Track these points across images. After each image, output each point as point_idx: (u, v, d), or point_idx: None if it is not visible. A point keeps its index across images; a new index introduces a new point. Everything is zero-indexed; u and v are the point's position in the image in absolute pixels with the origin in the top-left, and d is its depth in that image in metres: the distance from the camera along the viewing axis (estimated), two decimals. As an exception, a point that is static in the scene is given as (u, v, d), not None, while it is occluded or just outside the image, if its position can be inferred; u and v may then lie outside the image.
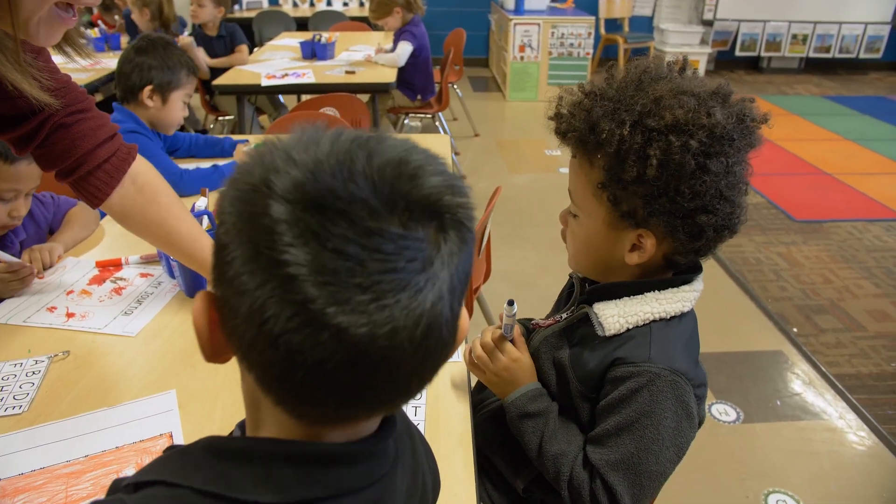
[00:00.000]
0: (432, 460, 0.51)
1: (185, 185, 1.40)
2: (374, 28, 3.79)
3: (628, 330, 0.68)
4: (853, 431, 1.65)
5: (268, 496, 0.33)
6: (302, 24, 4.67)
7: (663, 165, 0.61)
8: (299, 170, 0.30)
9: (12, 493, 0.66)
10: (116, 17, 3.82)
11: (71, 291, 1.06)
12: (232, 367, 0.35)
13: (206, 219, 1.10)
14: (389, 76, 2.70)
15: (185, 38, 2.97)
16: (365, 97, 2.52)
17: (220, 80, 2.66)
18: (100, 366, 0.87)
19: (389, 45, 3.05)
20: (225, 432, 0.43)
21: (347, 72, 2.73)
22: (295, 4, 5.24)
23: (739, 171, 0.65)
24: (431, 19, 4.63)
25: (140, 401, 0.80)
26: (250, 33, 4.47)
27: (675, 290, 0.69)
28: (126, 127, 1.44)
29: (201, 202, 1.25)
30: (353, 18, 4.55)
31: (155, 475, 0.35)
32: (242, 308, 0.30)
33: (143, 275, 1.11)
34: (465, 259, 0.33)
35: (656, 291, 0.69)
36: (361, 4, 5.14)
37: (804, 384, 1.82)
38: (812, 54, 5.53)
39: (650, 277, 0.71)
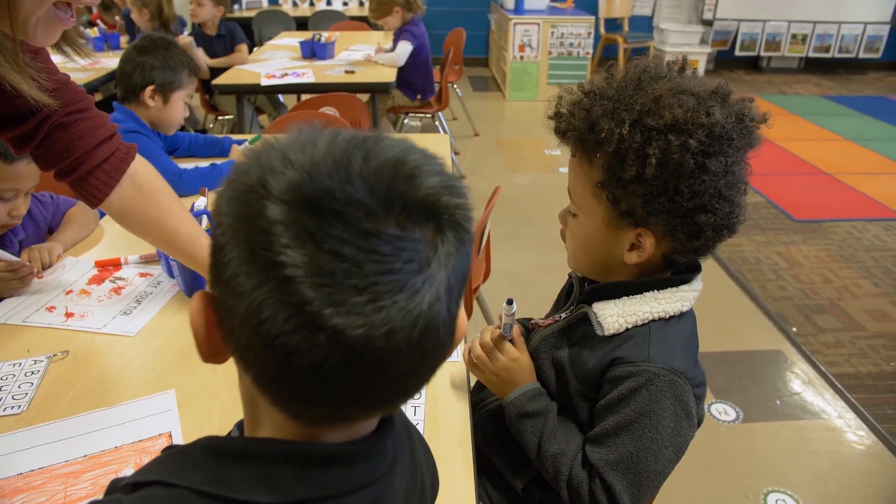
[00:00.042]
0: (431, 460, 0.51)
1: (185, 185, 1.40)
2: (374, 28, 3.79)
3: (627, 329, 0.68)
4: (852, 431, 1.65)
5: (266, 496, 0.33)
6: (302, 24, 4.66)
7: (662, 164, 0.61)
8: (296, 171, 0.30)
9: (11, 493, 0.66)
10: (117, 17, 3.82)
11: (70, 291, 1.05)
12: (231, 367, 0.35)
13: (205, 218, 1.10)
14: (389, 76, 2.70)
15: (185, 38, 2.97)
16: (365, 97, 2.52)
17: (220, 80, 2.66)
18: (99, 366, 0.87)
19: (389, 45, 3.05)
20: (224, 432, 0.43)
21: (347, 71, 2.73)
22: (295, 4, 5.24)
23: (738, 170, 0.65)
24: (431, 19, 4.63)
25: (139, 401, 0.80)
26: (250, 33, 4.46)
27: (674, 289, 0.69)
28: (126, 126, 1.44)
29: (200, 202, 1.25)
30: (353, 18, 4.55)
31: (153, 475, 0.35)
32: (239, 309, 0.30)
33: (142, 274, 1.11)
34: (463, 260, 0.33)
35: (655, 291, 0.69)
36: (361, 4, 5.13)
37: (803, 384, 1.82)
38: (811, 54, 5.53)
39: (649, 277, 0.71)
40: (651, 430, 0.64)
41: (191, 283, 1.01)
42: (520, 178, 3.29)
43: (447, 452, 0.72)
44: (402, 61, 2.89)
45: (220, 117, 3.27)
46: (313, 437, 0.36)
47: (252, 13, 4.84)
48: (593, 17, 4.63)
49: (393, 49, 2.95)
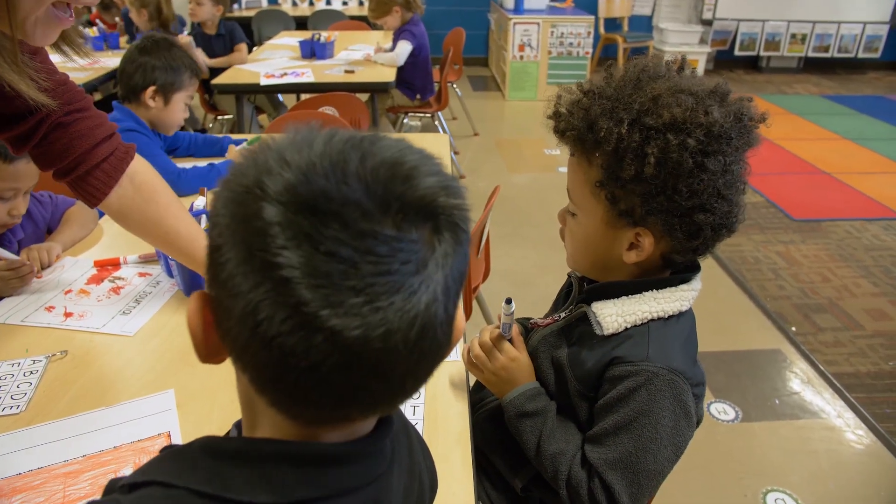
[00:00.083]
0: (430, 460, 0.51)
1: (183, 185, 1.40)
2: (374, 27, 3.79)
3: (626, 329, 0.68)
4: (851, 430, 1.65)
5: (264, 496, 0.33)
6: (301, 24, 4.66)
7: (661, 164, 0.61)
8: (292, 171, 0.30)
9: (10, 493, 0.66)
10: (117, 18, 3.82)
11: (69, 291, 1.05)
12: (230, 367, 0.35)
13: (204, 218, 1.10)
14: (389, 75, 2.70)
15: (184, 38, 2.97)
16: (364, 96, 2.52)
17: (220, 80, 2.66)
18: (98, 365, 0.87)
19: (389, 45, 3.05)
20: (223, 431, 0.43)
21: (347, 71, 2.73)
22: (294, 3, 5.24)
23: (737, 169, 0.65)
24: (431, 18, 4.63)
25: (138, 400, 0.80)
26: (249, 32, 4.46)
27: (673, 289, 0.69)
28: (125, 126, 1.43)
29: (200, 201, 1.25)
30: (353, 17, 4.55)
31: (151, 475, 0.35)
32: (236, 310, 0.30)
33: (141, 274, 1.11)
34: (460, 260, 0.33)
35: (654, 291, 0.69)
36: (361, 3, 5.13)
37: (802, 383, 1.82)
38: (811, 54, 5.53)
39: (648, 276, 0.71)
40: (650, 429, 0.64)
41: (190, 282, 1.01)
42: (519, 178, 3.29)
43: (446, 452, 0.72)
44: (401, 61, 2.89)
45: (219, 117, 3.27)
46: (311, 437, 0.36)
47: (251, 13, 4.84)
48: (593, 17, 4.63)
49: (392, 49, 2.94)
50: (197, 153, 1.69)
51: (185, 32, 3.36)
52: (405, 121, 3.26)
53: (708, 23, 5.40)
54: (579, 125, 0.66)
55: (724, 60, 5.68)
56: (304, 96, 2.91)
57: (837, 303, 2.22)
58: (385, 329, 0.29)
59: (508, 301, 0.74)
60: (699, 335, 0.73)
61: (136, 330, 0.95)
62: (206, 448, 0.36)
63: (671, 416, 0.65)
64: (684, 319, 0.70)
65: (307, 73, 2.70)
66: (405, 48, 2.90)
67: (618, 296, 0.70)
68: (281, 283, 0.28)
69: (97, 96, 3.16)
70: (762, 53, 5.54)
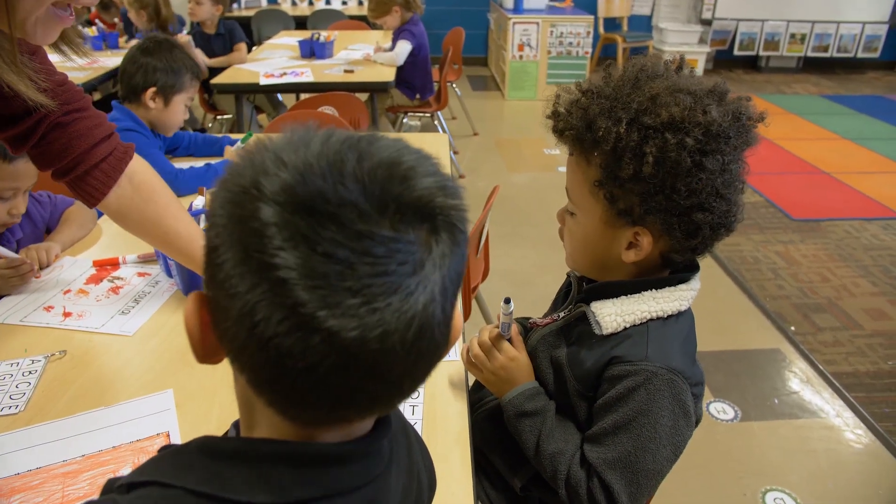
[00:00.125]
0: (428, 459, 0.51)
1: (181, 185, 1.40)
2: (373, 27, 3.79)
3: (625, 329, 0.68)
4: (850, 429, 1.65)
5: (262, 497, 0.33)
6: (301, 23, 4.66)
7: (659, 163, 0.61)
8: (289, 172, 0.30)
9: (8, 493, 0.66)
10: (116, 19, 3.82)
11: (68, 291, 1.05)
12: (229, 367, 0.35)
13: (203, 218, 1.10)
14: (388, 75, 2.70)
15: (184, 37, 2.97)
16: (364, 96, 2.51)
17: (219, 79, 2.66)
18: (97, 365, 0.87)
19: (388, 44, 3.05)
20: (221, 431, 0.43)
21: (346, 71, 2.73)
22: (294, 3, 5.24)
23: (735, 169, 0.65)
24: (430, 18, 4.63)
25: (137, 400, 0.80)
26: (249, 32, 4.46)
27: (672, 288, 0.69)
28: (123, 125, 1.43)
29: (198, 201, 1.25)
30: (352, 17, 4.55)
31: (148, 475, 0.35)
32: (233, 311, 0.30)
33: (140, 274, 1.11)
34: (458, 261, 0.33)
35: (653, 290, 0.69)
36: (360, 3, 5.13)
37: (802, 382, 1.82)
38: (810, 53, 5.53)
39: (647, 276, 0.71)
40: (649, 429, 0.64)
41: (189, 282, 1.01)
42: (519, 178, 3.29)
43: (445, 452, 0.72)
44: (401, 61, 2.88)
45: (218, 116, 3.27)
46: (309, 437, 0.36)
47: (251, 12, 4.83)
48: (592, 17, 4.63)
49: (392, 48, 2.94)
50: (197, 153, 1.69)
51: (185, 32, 3.35)
52: (405, 120, 3.26)
53: (707, 22, 5.40)
54: (578, 125, 0.66)
55: (723, 60, 5.68)
56: (303, 96, 2.91)
57: (836, 302, 2.22)
58: (382, 330, 0.29)
59: (507, 301, 0.74)
60: (698, 335, 0.73)
61: (135, 330, 0.95)
62: (204, 448, 0.36)
63: (670, 415, 0.65)
64: (683, 319, 0.70)
65: (306, 72, 2.70)
66: (405, 48, 2.90)
67: (617, 295, 0.70)
68: (278, 283, 0.28)
69: (96, 96, 3.16)
70: (761, 53, 5.54)
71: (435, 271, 0.31)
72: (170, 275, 1.07)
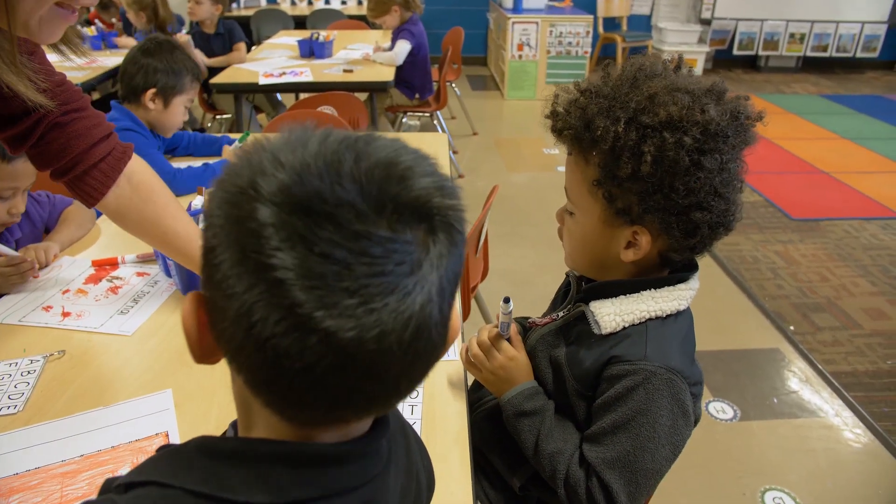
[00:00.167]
0: (427, 459, 0.51)
1: (179, 185, 1.40)
2: (373, 26, 3.79)
3: (624, 328, 0.68)
4: (849, 429, 1.65)
5: (260, 497, 0.33)
6: (300, 23, 4.66)
7: (657, 162, 0.62)
8: (286, 172, 0.30)
9: (7, 493, 0.66)
10: (114, 19, 3.81)
11: (67, 290, 1.05)
12: (227, 366, 0.35)
13: (202, 217, 1.10)
14: (387, 75, 2.70)
15: (183, 37, 2.97)
16: (363, 96, 2.51)
17: (218, 79, 2.66)
18: (95, 365, 0.87)
19: (387, 44, 3.05)
20: (220, 431, 0.43)
21: (345, 70, 2.73)
22: (293, 3, 5.23)
23: (734, 168, 0.65)
24: (430, 18, 4.62)
25: (136, 400, 0.80)
26: (248, 31, 4.45)
27: (670, 288, 0.69)
28: (121, 125, 1.43)
29: (198, 201, 1.25)
30: (352, 17, 4.55)
31: (146, 475, 0.35)
32: (230, 311, 0.30)
33: (139, 274, 1.11)
34: (455, 261, 0.33)
35: (652, 290, 0.69)
36: (359, 3, 5.13)
37: (801, 382, 1.82)
38: (809, 53, 5.53)
39: (646, 276, 0.71)
40: (648, 428, 0.64)
41: (188, 282, 1.01)
42: (518, 177, 3.29)
43: (444, 451, 0.72)
44: (400, 60, 2.88)
45: (217, 116, 3.27)
46: (306, 437, 0.36)
47: (250, 12, 4.83)
48: (592, 16, 4.63)
49: (391, 48, 2.94)
50: (196, 152, 1.69)
51: (184, 31, 3.35)
52: (404, 120, 3.26)
53: (707, 22, 5.40)
54: (576, 124, 0.66)
55: (722, 60, 5.68)
56: (302, 96, 2.91)
57: (836, 302, 2.22)
58: (379, 330, 0.29)
59: (507, 300, 0.74)
60: (698, 334, 0.73)
61: (134, 329, 0.95)
62: (202, 448, 0.36)
63: (669, 415, 0.65)
64: (682, 318, 0.70)
65: (306, 72, 2.70)
66: (404, 47, 2.90)
67: (616, 295, 0.70)
68: (275, 284, 0.28)
69: (95, 95, 3.15)
70: (761, 53, 5.54)
71: (432, 272, 0.31)
72: (169, 274, 1.07)
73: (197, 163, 1.54)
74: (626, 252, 0.68)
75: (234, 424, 0.41)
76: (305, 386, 0.31)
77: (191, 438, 0.36)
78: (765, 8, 5.35)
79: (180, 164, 1.54)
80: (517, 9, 4.64)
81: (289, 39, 3.43)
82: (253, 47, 3.50)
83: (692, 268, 0.72)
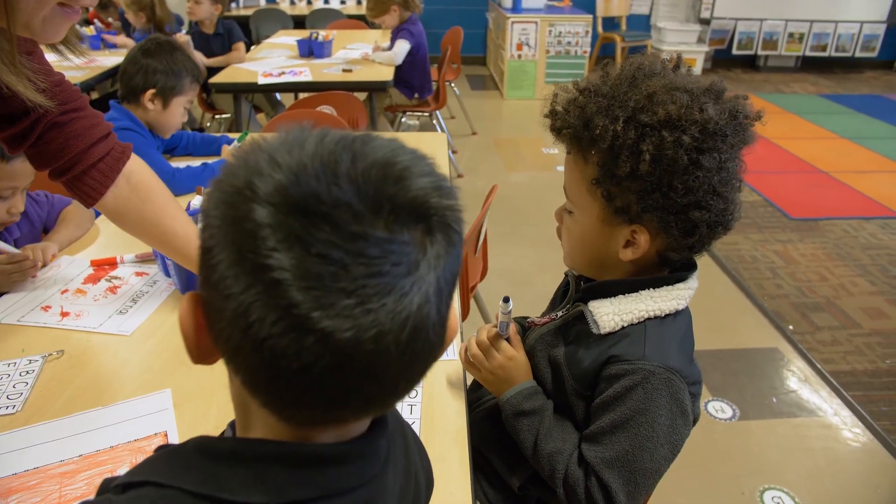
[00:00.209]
0: (426, 459, 0.51)
1: (177, 184, 1.40)
2: (372, 26, 3.78)
3: (623, 328, 0.68)
4: (848, 428, 1.65)
5: (258, 497, 0.33)
6: (299, 22, 4.65)
7: (656, 161, 0.62)
8: (282, 173, 0.30)
9: (6, 493, 0.66)
10: (110, 19, 3.81)
11: (65, 290, 1.05)
12: (225, 367, 0.35)
13: (201, 217, 1.10)
14: (387, 74, 2.70)
15: (182, 37, 2.96)
16: (362, 95, 2.51)
17: (217, 79, 2.65)
18: (94, 365, 0.87)
19: (387, 44, 3.04)
20: (219, 431, 0.43)
21: (345, 70, 2.73)
22: (292, 2, 5.23)
23: (732, 167, 0.65)
24: (429, 17, 4.62)
25: (135, 400, 0.80)
26: (247, 31, 4.45)
27: (669, 287, 0.69)
28: (120, 124, 1.43)
29: (196, 201, 1.24)
30: (351, 16, 4.54)
31: (144, 475, 0.35)
32: (227, 311, 0.30)
33: (138, 273, 1.11)
34: (453, 261, 0.33)
35: (651, 289, 0.69)
36: (359, 2, 5.12)
37: (800, 381, 1.83)
38: (808, 53, 5.54)
39: (644, 275, 0.71)
40: (647, 428, 0.64)
41: (187, 282, 1.01)
42: (517, 177, 3.29)
43: (443, 451, 0.72)
44: (399, 60, 2.88)
45: (217, 116, 3.26)
46: (304, 438, 0.36)
47: (250, 11, 4.83)
48: (591, 16, 4.63)
49: (390, 48, 2.94)
50: (195, 152, 1.69)
51: (184, 31, 3.35)
52: (403, 120, 3.26)
53: (706, 22, 5.41)
54: (575, 123, 0.66)
55: (721, 59, 5.68)
56: (302, 95, 2.90)
57: (835, 301, 2.22)
58: (377, 331, 0.29)
59: (506, 300, 0.74)
60: (697, 334, 0.73)
61: (133, 329, 0.95)
62: (200, 448, 0.36)
63: (668, 414, 0.65)
64: (681, 318, 0.70)
65: (305, 71, 2.70)
66: (403, 47, 2.90)
67: (614, 294, 0.70)
68: (272, 284, 0.28)
69: (94, 95, 3.15)
70: (760, 52, 5.54)
71: (430, 272, 0.31)
72: (168, 274, 1.07)
73: (196, 162, 1.53)
74: (625, 251, 0.68)
75: (232, 424, 0.41)
76: (303, 386, 0.31)
77: (189, 438, 0.36)
78: (764, 8, 5.35)
79: (179, 163, 1.54)
80: (516, 8, 4.64)
81: (288, 39, 3.43)
82: (252, 47, 3.50)
83: (691, 267, 0.72)
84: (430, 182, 0.32)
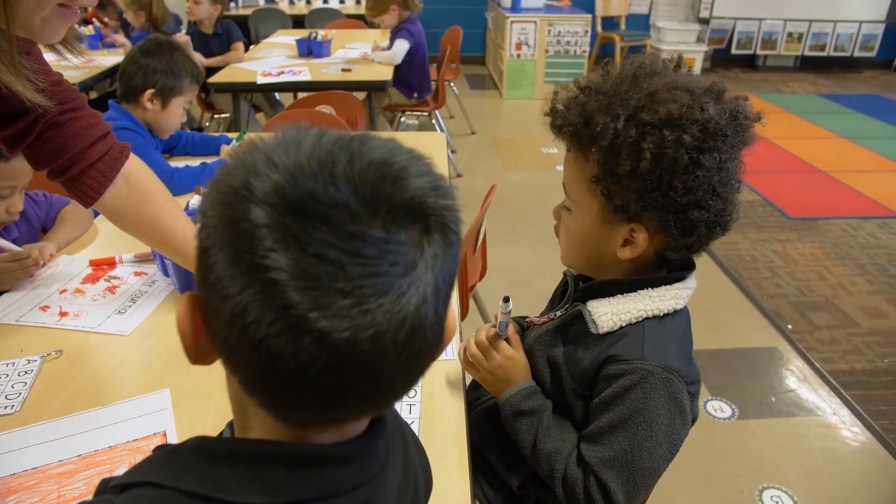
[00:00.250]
0: (425, 459, 0.51)
1: (176, 184, 1.40)
2: (371, 26, 3.78)
3: (621, 327, 0.68)
4: (847, 427, 1.66)
5: (256, 498, 0.33)
6: (298, 22, 4.65)
7: (657, 159, 0.62)
8: (279, 173, 0.30)
9: (4, 493, 0.66)
10: (107, 19, 3.80)
11: (64, 290, 1.05)
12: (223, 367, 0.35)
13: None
14: (386, 74, 2.70)
15: (182, 37, 2.96)
16: (361, 95, 2.51)
17: (216, 78, 2.65)
18: (93, 365, 0.87)
19: (386, 43, 3.04)
20: (218, 431, 0.43)
21: (344, 69, 2.72)
22: (291, 2, 5.22)
23: (732, 167, 0.65)
24: (428, 17, 4.62)
25: (133, 400, 0.80)
26: (246, 31, 4.44)
27: (667, 287, 0.69)
28: (119, 124, 1.43)
29: (195, 200, 1.24)
30: (350, 16, 4.54)
31: (142, 476, 0.35)
32: (225, 312, 0.30)
33: (136, 273, 1.10)
34: (450, 261, 0.32)
35: (649, 289, 0.69)
36: (358, 2, 5.12)
37: (798, 380, 1.83)
38: (807, 52, 5.54)
39: (643, 274, 0.71)
40: (645, 427, 0.64)
41: (186, 281, 1.01)
42: (516, 177, 3.29)
43: (442, 450, 0.72)
44: (398, 59, 2.88)
45: (216, 115, 3.26)
46: (302, 438, 0.36)
47: (248, 11, 4.82)
48: (590, 16, 4.63)
49: (389, 47, 2.94)
50: (194, 151, 1.68)
51: (183, 31, 3.34)
52: (402, 119, 3.26)
53: (705, 21, 5.41)
54: (576, 121, 0.66)
55: (720, 59, 5.68)
56: (301, 95, 2.90)
57: (833, 301, 2.23)
58: (374, 331, 0.29)
59: (506, 300, 0.74)
60: (696, 333, 0.73)
61: (132, 329, 0.94)
62: (198, 448, 0.35)
63: (666, 414, 0.65)
64: (679, 317, 0.70)
65: (304, 71, 2.70)
66: (402, 46, 2.90)
67: (613, 294, 0.70)
68: (269, 285, 0.28)
69: (92, 95, 3.14)
70: (759, 52, 5.55)
71: (427, 272, 0.31)
72: (166, 274, 1.07)
73: (195, 162, 1.53)
74: (623, 250, 0.68)
75: (230, 424, 0.41)
76: (300, 387, 0.31)
77: (187, 439, 0.36)
78: (763, 7, 5.35)
79: (178, 163, 1.54)
80: (515, 8, 4.64)
81: (287, 38, 3.43)
82: (251, 46, 3.50)
83: (689, 267, 0.72)
84: (427, 182, 0.32)
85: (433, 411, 0.78)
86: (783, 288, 2.31)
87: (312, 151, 0.31)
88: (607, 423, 0.66)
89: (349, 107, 2.18)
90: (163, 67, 1.46)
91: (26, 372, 0.85)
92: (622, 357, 0.67)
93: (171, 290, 1.05)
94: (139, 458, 0.69)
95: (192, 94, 1.55)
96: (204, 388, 0.82)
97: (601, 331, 0.69)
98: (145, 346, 0.91)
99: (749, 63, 5.80)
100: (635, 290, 0.69)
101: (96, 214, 1.29)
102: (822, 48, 5.53)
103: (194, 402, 0.79)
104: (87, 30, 3.36)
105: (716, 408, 1.71)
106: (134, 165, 0.87)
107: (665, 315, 0.68)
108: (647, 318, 0.68)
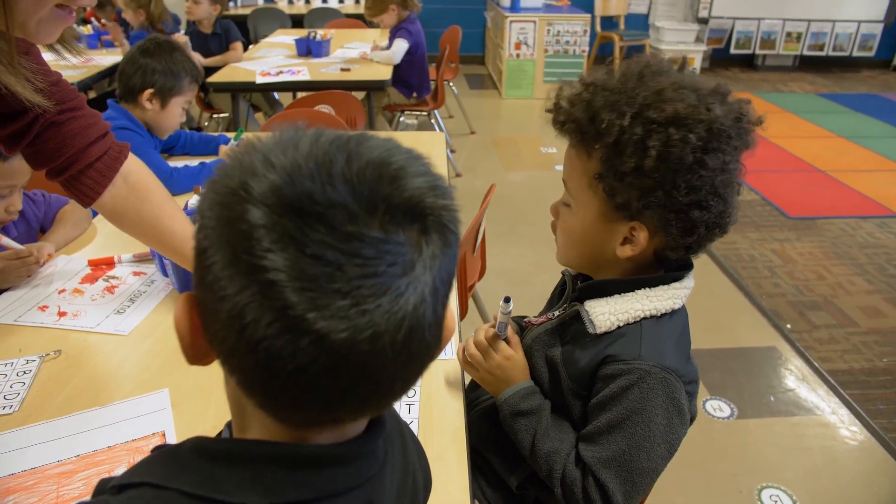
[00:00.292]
0: (424, 459, 0.51)
1: (175, 184, 1.40)
2: (370, 25, 3.78)
3: (619, 327, 0.68)
4: (845, 426, 1.66)
5: (255, 498, 0.33)
6: (297, 22, 4.65)
7: (662, 157, 0.61)
8: (277, 173, 0.30)
9: (3, 493, 0.66)
10: (104, 20, 3.79)
11: (63, 290, 1.05)
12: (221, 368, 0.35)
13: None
14: (385, 73, 2.70)
15: (181, 37, 2.96)
16: (360, 94, 2.51)
17: (215, 78, 2.65)
18: (92, 365, 0.87)
19: (385, 43, 3.04)
20: (217, 431, 0.43)
21: (343, 69, 2.72)
22: (290, 1, 5.22)
23: (734, 169, 0.65)
24: (427, 16, 4.62)
25: (132, 400, 0.80)
26: (245, 30, 4.44)
27: (665, 287, 0.69)
28: (118, 124, 1.43)
29: (194, 200, 1.24)
30: (349, 16, 4.54)
31: (140, 476, 0.35)
32: (222, 313, 0.30)
33: (135, 273, 1.10)
34: (449, 262, 0.32)
35: (647, 289, 0.69)
36: (357, 1, 5.12)
37: (797, 380, 1.83)
38: (806, 52, 5.54)
39: (641, 274, 0.71)
40: (643, 427, 0.64)
41: (184, 281, 1.01)
42: (516, 176, 3.29)
43: (441, 450, 0.72)
44: (397, 59, 2.88)
45: (214, 115, 3.26)
46: (301, 439, 0.36)
47: (247, 11, 4.82)
48: (589, 15, 4.63)
49: (389, 47, 2.94)
50: (193, 151, 1.68)
51: (182, 31, 3.34)
52: (401, 119, 3.26)
53: (704, 21, 5.41)
54: (580, 117, 0.66)
55: (719, 59, 5.69)
56: (300, 94, 2.90)
57: (832, 300, 2.23)
58: (372, 331, 0.29)
59: (507, 300, 0.74)
60: (695, 332, 0.73)
61: (131, 329, 0.94)
62: (196, 449, 0.35)
63: (664, 413, 0.65)
64: (677, 317, 0.70)
65: (303, 71, 2.69)
66: (401, 46, 2.90)
67: (610, 294, 0.70)
68: (267, 286, 0.28)
69: (91, 94, 3.14)
70: (758, 52, 5.55)
71: (425, 272, 0.31)
72: (165, 274, 1.07)
73: (194, 162, 1.53)
74: (623, 248, 0.68)
75: (229, 425, 0.41)
76: (298, 387, 0.31)
77: (186, 439, 0.36)
78: (762, 7, 5.35)
79: (177, 163, 1.54)
80: (515, 7, 4.63)
81: (286, 38, 3.42)
82: (250, 46, 3.49)
83: (687, 266, 0.72)
84: (425, 182, 0.32)
85: (432, 411, 0.78)
86: (782, 287, 2.31)
87: (310, 151, 0.31)
88: (605, 423, 0.66)
89: (348, 106, 2.18)
90: (162, 67, 1.46)
91: (25, 372, 0.85)
92: (620, 357, 0.67)
93: (170, 290, 1.05)
94: (138, 459, 0.69)
95: (191, 93, 1.54)
96: (203, 388, 0.82)
97: (599, 331, 0.69)
98: (144, 346, 0.91)
99: (748, 63, 5.80)
100: (633, 290, 0.69)
101: (95, 214, 1.29)
102: (821, 48, 5.53)
103: (193, 403, 0.79)
104: (86, 29, 3.36)
105: (715, 407, 1.71)
106: (133, 165, 0.87)
107: (662, 315, 0.69)
108: (645, 318, 0.68)
